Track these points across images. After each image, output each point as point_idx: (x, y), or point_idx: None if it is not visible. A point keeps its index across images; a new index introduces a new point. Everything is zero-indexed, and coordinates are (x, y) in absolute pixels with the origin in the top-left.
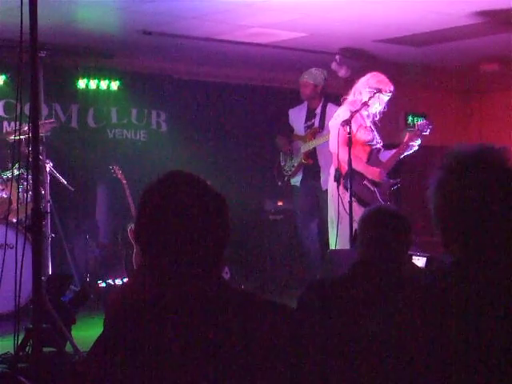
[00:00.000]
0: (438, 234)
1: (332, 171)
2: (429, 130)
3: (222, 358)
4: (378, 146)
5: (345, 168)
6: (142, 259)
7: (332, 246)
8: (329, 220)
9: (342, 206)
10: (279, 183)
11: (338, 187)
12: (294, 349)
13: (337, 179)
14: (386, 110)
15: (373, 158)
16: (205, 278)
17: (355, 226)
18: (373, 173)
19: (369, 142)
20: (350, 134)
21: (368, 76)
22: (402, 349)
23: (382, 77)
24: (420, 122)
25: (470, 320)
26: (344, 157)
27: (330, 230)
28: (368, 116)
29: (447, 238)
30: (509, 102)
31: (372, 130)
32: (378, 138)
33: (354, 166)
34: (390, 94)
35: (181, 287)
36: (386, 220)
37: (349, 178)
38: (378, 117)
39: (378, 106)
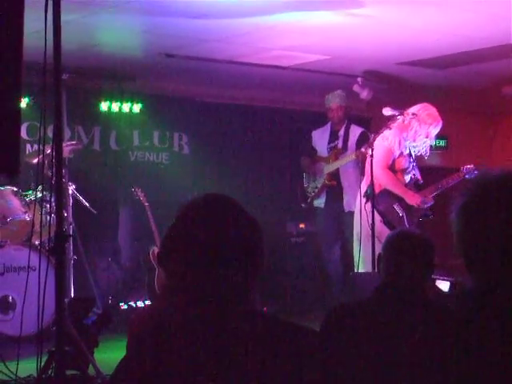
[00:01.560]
0: (460, 258)
1: (363, 187)
2: (474, 175)
3: (248, 380)
4: (413, 175)
5: (380, 188)
6: (167, 282)
7: (356, 264)
8: (355, 236)
9: (366, 223)
10: (302, 205)
11: (366, 203)
12: (319, 372)
13: (367, 195)
14: (433, 143)
15: (408, 187)
16: (232, 304)
17: (378, 246)
18: (412, 198)
19: (404, 170)
20: (372, 156)
21: (419, 106)
22: (428, 374)
23: (433, 110)
24: (467, 166)
25: (494, 346)
26: (381, 178)
27: (355, 246)
28: (408, 147)
29: (470, 263)
30: None
31: (410, 160)
32: (414, 169)
33: (393, 188)
34: (437, 127)
35: (207, 312)
36: (410, 243)
37: (372, 201)
38: (428, 152)
39: (426, 140)
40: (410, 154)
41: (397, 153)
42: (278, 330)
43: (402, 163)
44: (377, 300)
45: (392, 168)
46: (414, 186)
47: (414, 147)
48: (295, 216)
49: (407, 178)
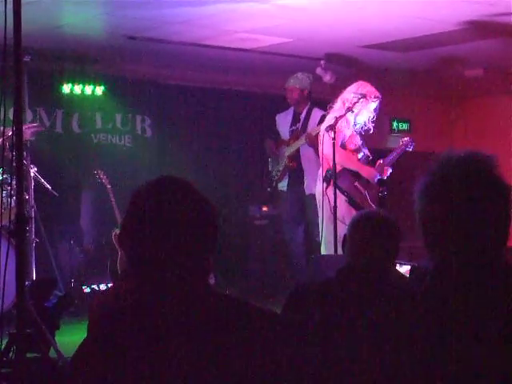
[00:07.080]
0: (420, 239)
1: (321, 173)
2: (412, 147)
3: (205, 362)
4: (363, 153)
5: (339, 169)
6: (127, 264)
7: (322, 248)
8: (319, 222)
9: (328, 207)
10: (268, 189)
11: (326, 188)
12: (279, 354)
13: (327, 180)
14: (375, 119)
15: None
16: (190, 284)
17: (340, 229)
18: (368, 171)
19: (355, 150)
20: (334, 139)
21: (355, 84)
22: (389, 354)
23: (370, 86)
24: (405, 139)
25: (454, 322)
26: (338, 159)
27: (320, 232)
28: (355, 124)
29: (431, 243)
30: (493, 107)
31: (360, 138)
32: (363, 147)
33: (349, 165)
34: (377, 101)
35: (165, 292)
36: (375, 226)
37: (334, 183)
38: (367, 126)
39: (366, 113)
40: (358, 132)
41: (347, 131)
42: (238, 311)
43: (354, 141)
44: (340, 281)
45: (344, 147)
46: (366, 162)
47: (354, 125)
48: (258, 199)
49: (359, 155)
